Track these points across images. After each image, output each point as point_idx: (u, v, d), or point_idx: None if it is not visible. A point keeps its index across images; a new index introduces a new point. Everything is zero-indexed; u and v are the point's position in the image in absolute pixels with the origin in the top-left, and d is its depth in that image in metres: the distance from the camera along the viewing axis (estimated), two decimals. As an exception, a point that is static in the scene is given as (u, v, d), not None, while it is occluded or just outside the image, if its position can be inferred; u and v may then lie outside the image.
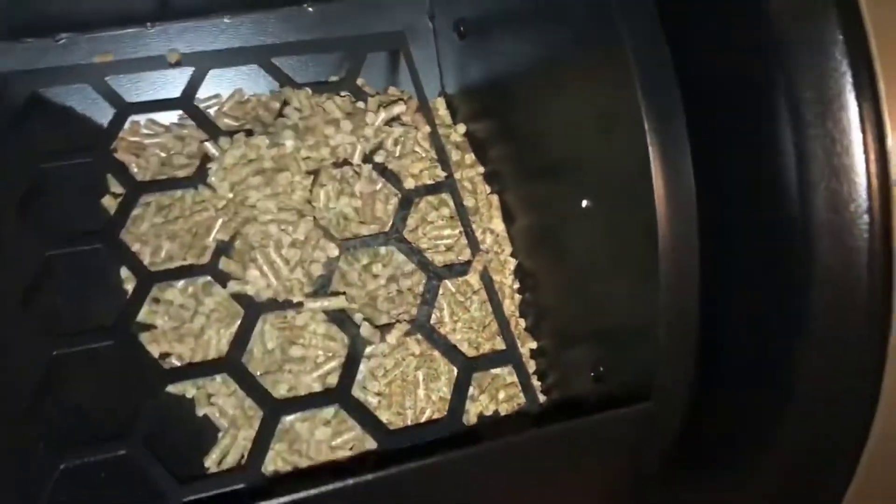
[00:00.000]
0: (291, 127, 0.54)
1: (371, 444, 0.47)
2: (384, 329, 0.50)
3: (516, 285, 0.55)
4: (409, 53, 0.60)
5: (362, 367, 0.49)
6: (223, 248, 0.50)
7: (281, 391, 0.48)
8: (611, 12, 0.39)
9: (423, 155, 0.56)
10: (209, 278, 0.49)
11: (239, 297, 0.49)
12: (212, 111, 0.56)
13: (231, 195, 0.51)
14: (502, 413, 0.51)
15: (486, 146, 0.58)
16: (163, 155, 0.54)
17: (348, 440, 0.47)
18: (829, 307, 0.35)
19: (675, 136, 0.38)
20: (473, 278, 0.53)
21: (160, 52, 0.56)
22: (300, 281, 0.50)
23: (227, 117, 0.56)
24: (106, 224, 0.50)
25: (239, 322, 0.48)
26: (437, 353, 0.50)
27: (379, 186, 0.54)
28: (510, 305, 0.54)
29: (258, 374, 0.48)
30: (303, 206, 0.52)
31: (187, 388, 0.48)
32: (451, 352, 0.50)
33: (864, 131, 0.33)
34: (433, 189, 0.55)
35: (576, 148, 0.45)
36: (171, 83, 0.56)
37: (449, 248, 0.54)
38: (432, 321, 0.51)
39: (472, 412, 0.50)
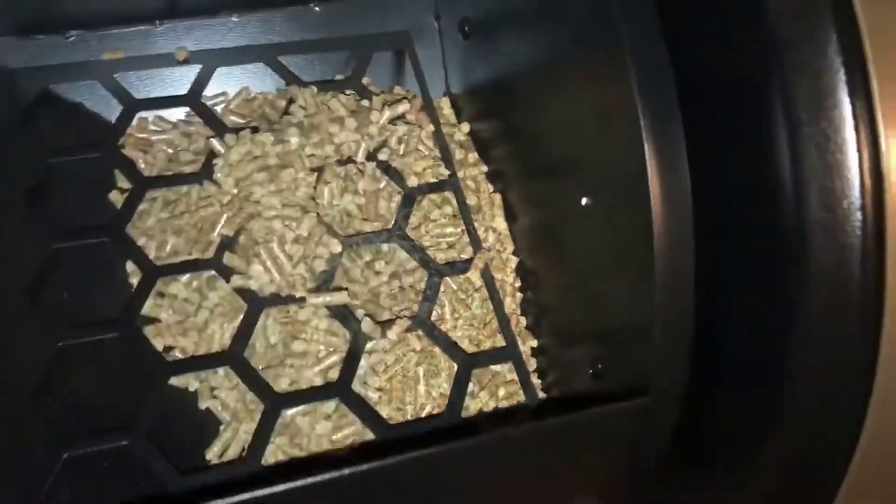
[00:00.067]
0: (296, 124, 0.54)
1: (371, 438, 0.47)
2: (385, 325, 0.50)
3: (518, 283, 0.55)
4: (414, 53, 0.61)
5: (363, 363, 0.49)
6: (227, 244, 0.51)
7: (282, 385, 0.48)
8: (611, 12, 0.39)
9: (427, 153, 0.57)
10: (213, 273, 0.50)
11: (242, 292, 0.49)
12: (219, 108, 0.57)
13: (236, 191, 0.52)
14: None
15: (490, 145, 0.58)
16: (170, 151, 0.55)
17: (348, 434, 0.48)
18: (823, 305, 0.35)
19: (671, 136, 0.38)
20: (475, 276, 0.53)
21: (168, 50, 0.56)
22: (303, 276, 0.50)
23: (234, 115, 0.57)
24: (112, 218, 0.51)
25: (242, 316, 0.49)
26: (437, 350, 0.51)
27: (382, 184, 0.55)
28: (511, 303, 0.55)
29: (260, 368, 0.49)
30: (306, 203, 0.52)
31: (190, 382, 0.49)
32: (451, 348, 0.50)
33: (857, 129, 0.33)
34: (436, 187, 0.56)
35: (575, 147, 0.46)
36: (179, 80, 0.57)
37: (451, 246, 0.55)
38: (433, 318, 0.51)
39: (472, 409, 0.50)
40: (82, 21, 0.55)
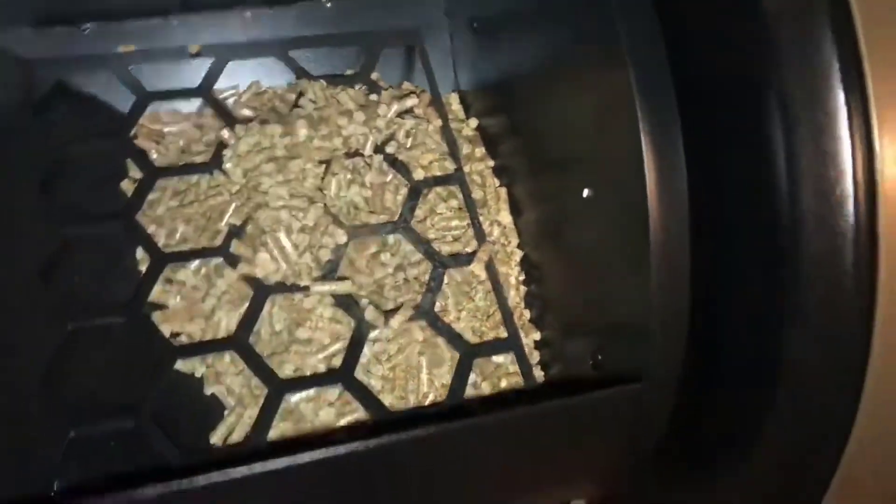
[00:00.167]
0: (305, 117, 0.55)
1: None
2: (388, 314, 0.51)
3: (522, 277, 0.56)
4: (423, 49, 0.61)
5: (367, 351, 0.50)
6: (235, 232, 0.52)
7: (287, 372, 0.49)
8: (610, 12, 0.40)
9: (434, 147, 0.57)
10: (221, 260, 0.51)
11: (248, 279, 0.50)
12: (230, 101, 0.58)
13: (244, 181, 0.53)
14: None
15: (497, 141, 0.59)
16: (181, 142, 0.56)
17: (351, 422, 0.48)
18: (816, 293, 0.35)
19: (668, 134, 0.39)
20: (479, 268, 0.54)
21: (181, 44, 0.57)
22: (308, 265, 0.51)
23: (245, 107, 0.57)
24: (123, 206, 0.52)
25: (248, 303, 0.50)
26: (440, 340, 0.51)
27: (389, 177, 0.56)
28: (515, 296, 0.55)
29: (265, 354, 0.49)
30: (314, 194, 0.53)
31: (196, 367, 0.50)
32: (453, 338, 0.51)
33: (850, 117, 0.33)
34: (442, 180, 0.56)
35: (578, 144, 0.46)
36: (192, 74, 0.58)
37: (456, 239, 0.55)
38: (437, 309, 0.52)
39: (474, 399, 0.51)
40: (98, 14, 0.56)
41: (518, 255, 0.56)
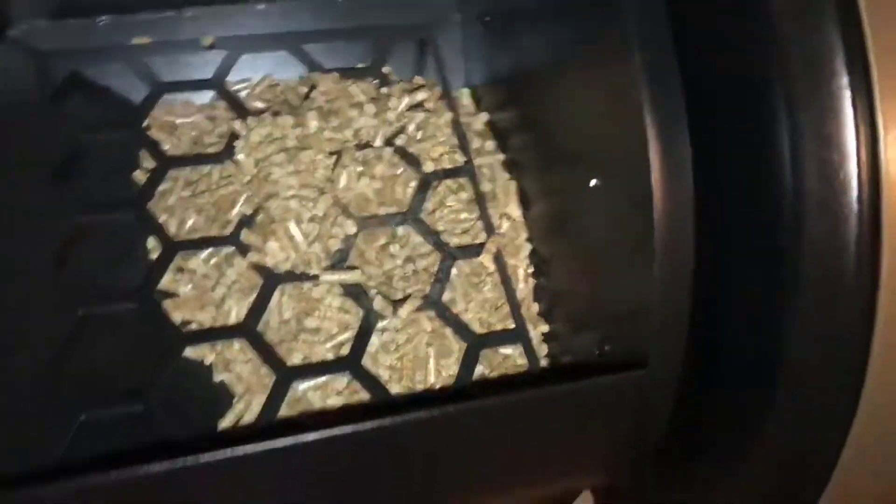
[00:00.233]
0: (316, 108, 0.56)
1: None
2: (397, 304, 0.51)
3: (531, 270, 0.56)
4: (435, 44, 0.62)
5: (375, 341, 0.50)
6: (246, 221, 0.52)
7: (295, 360, 0.49)
8: (620, 7, 0.40)
9: (444, 140, 0.58)
10: (232, 249, 0.51)
11: (258, 268, 0.51)
12: (243, 94, 0.59)
13: (255, 171, 0.53)
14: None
15: (508, 135, 0.59)
16: (194, 134, 0.56)
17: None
18: (816, 293, 0.35)
19: (675, 128, 0.39)
20: (487, 260, 0.54)
21: (195, 36, 0.58)
22: (318, 255, 0.51)
23: (257, 100, 0.58)
24: (136, 196, 0.52)
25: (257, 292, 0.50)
26: (448, 331, 0.51)
27: (399, 169, 0.56)
28: (524, 289, 0.55)
29: (274, 343, 0.50)
30: (324, 185, 0.53)
31: (206, 354, 0.50)
32: (461, 329, 0.51)
33: (855, 116, 0.34)
34: (452, 173, 0.56)
35: (586, 137, 0.46)
36: (205, 66, 0.58)
37: (465, 231, 0.55)
38: (445, 300, 0.52)
39: (481, 390, 0.51)
40: (113, 6, 0.56)
41: (527, 248, 0.56)
